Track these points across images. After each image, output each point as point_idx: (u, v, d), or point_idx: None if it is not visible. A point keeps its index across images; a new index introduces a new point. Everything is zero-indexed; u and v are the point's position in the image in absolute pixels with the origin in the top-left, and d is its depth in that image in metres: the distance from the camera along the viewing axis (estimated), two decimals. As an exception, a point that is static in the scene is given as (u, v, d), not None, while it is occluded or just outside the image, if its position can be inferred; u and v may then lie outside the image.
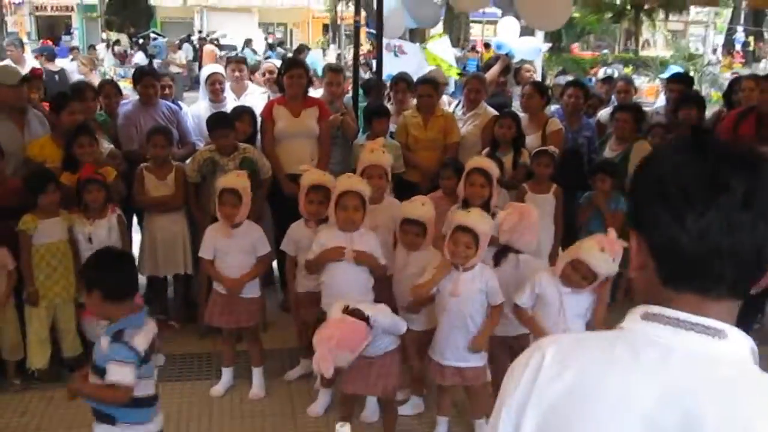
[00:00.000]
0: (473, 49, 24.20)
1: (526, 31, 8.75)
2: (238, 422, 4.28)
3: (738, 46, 28.91)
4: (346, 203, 3.96)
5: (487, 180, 4.37)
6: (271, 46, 26.93)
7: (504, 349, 4.08)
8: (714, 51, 25.94)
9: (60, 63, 12.12)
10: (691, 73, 11.56)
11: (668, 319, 1.15)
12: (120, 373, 2.86)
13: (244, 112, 5.65)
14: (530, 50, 8.47)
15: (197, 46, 23.80)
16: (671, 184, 1.14)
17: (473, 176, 4.40)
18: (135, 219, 5.82)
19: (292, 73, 5.64)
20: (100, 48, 22.02)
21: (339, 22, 32.18)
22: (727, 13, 29.85)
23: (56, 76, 9.52)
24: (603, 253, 3.41)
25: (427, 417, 4.30)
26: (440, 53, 11.29)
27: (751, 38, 29.61)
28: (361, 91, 6.96)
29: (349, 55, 25.68)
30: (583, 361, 1.19)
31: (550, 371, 1.19)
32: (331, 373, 3.32)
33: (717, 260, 1.12)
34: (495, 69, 7.45)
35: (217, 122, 5.18)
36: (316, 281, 4.27)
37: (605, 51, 31.17)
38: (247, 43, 25.99)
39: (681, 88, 6.19)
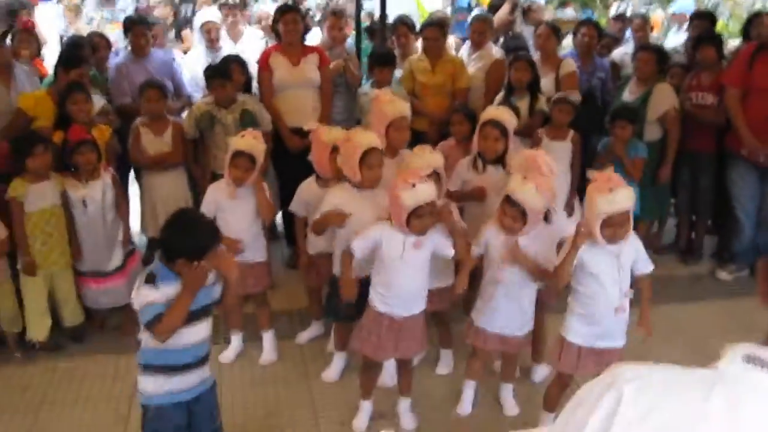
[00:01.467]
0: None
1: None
2: (250, 390, 4.12)
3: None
4: (372, 161, 3.70)
5: (502, 133, 4.12)
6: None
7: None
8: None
9: (44, 9, 11.65)
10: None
11: None
12: None
13: (232, 62, 5.29)
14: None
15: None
16: None
17: (487, 129, 4.15)
18: (132, 174, 5.58)
19: (287, 19, 5.30)
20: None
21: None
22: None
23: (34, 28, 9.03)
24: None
25: (451, 379, 4.18)
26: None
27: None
28: (364, 35, 6.63)
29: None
30: (671, 409, 0.98)
31: (630, 414, 0.99)
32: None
33: None
34: (504, 10, 7.08)
35: (213, 72, 4.90)
36: (328, 241, 4.06)
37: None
38: None
39: (704, 24, 5.87)
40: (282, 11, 5.46)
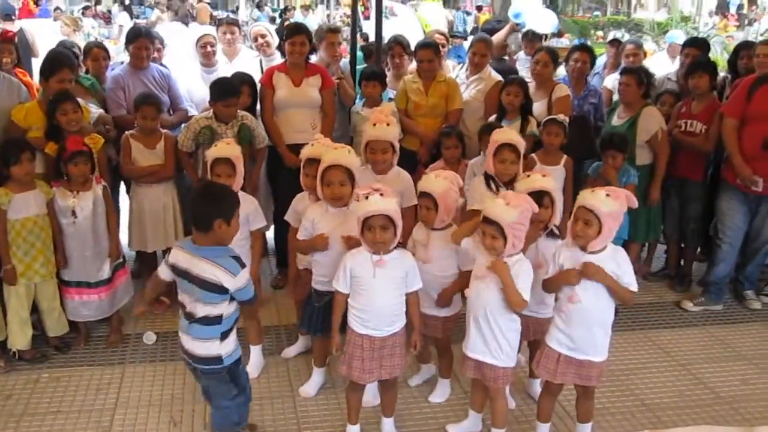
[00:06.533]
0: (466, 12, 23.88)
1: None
2: (235, 405, 4.08)
3: (733, 9, 28.57)
4: (331, 179, 3.72)
5: (517, 156, 4.12)
6: (258, 5, 26.51)
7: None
8: (710, 14, 25.55)
9: (42, 23, 11.75)
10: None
11: None
12: None
13: (243, 82, 5.27)
14: (547, 25, 7.95)
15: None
16: None
17: (505, 152, 4.11)
18: (123, 187, 5.55)
19: (294, 40, 5.30)
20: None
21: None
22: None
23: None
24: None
25: (451, 405, 4.12)
26: (430, 18, 10.98)
27: (745, 0, 29.28)
28: (360, 55, 6.65)
29: (337, 16, 25.22)
30: None
31: None
32: None
33: None
34: (502, 33, 7.12)
35: (225, 90, 4.87)
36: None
37: (596, 13, 30.73)
38: (259, 5, 25.96)
39: (696, 53, 5.91)
40: (291, 32, 5.42)
